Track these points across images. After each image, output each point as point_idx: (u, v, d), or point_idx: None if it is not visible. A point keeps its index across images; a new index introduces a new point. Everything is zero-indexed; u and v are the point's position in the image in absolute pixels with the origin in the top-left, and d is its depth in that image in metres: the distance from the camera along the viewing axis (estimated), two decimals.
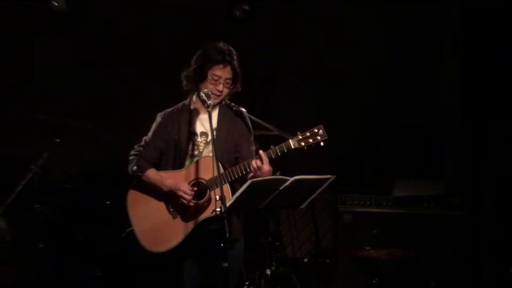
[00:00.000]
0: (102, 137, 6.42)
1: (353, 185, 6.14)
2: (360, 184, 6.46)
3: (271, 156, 4.11)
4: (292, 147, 4.08)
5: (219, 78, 4.23)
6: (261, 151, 4.11)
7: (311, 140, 4.07)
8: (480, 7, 5.61)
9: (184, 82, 4.33)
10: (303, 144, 4.08)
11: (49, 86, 6.74)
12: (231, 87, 4.28)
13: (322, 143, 4.06)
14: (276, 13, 6.79)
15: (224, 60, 4.22)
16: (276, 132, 4.27)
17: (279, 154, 4.10)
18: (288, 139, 4.10)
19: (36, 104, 6.30)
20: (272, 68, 6.79)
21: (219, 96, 4.26)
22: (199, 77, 4.25)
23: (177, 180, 4.23)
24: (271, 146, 4.12)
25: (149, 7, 6.79)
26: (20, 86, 6.75)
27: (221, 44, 4.28)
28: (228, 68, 4.23)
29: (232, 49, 4.28)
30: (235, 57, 4.26)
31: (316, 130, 4.07)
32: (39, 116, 5.55)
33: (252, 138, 4.40)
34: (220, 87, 4.22)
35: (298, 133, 4.10)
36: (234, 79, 4.26)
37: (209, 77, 4.23)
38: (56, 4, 6.66)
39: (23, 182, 5.39)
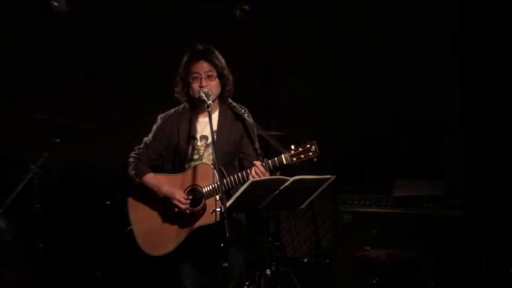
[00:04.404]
0: (102, 137, 6.42)
1: (353, 185, 6.14)
2: (360, 184, 6.45)
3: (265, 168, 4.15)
4: (285, 162, 4.13)
5: (198, 74, 4.24)
6: (258, 163, 4.13)
7: (303, 156, 4.11)
8: (480, 6, 5.61)
9: (179, 96, 4.35)
10: (295, 159, 4.12)
11: (49, 86, 6.74)
12: (220, 80, 4.28)
13: (315, 159, 4.08)
14: (276, 13, 6.79)
15: (197, 57, 4.25)
16: (270, 140, 4.27)
17: (272, 168, 4.14)
18: (281, 153, 4.13)
19: (36, 104, 6.30)
20: (272, 68, 6.79)
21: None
22: (185, 83, 4.28)
23: (174, 186, 4.24)
24: (265, 159, 4.16)
25: (149, 8, 6.79)
26: (20, 86, 6.74)
27: (196, 45, 4.31)
28: (203, 63, 4.25)
29: (208, 46, 4.30)
30: (210, 52, 4.27)
31: (309, 146, 4.10)
32: (39, 116, 5.55)
33: (255, 136, 4.40)
34: (204, 82, 4.23)
35: (292, 147, 4.13)
36: (218, 72, 4.27)
37: (189, 77, 4.25)
38: (56, 4, 6.66)
39: (23, 182, 5.39)
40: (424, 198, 5.78)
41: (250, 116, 4.39)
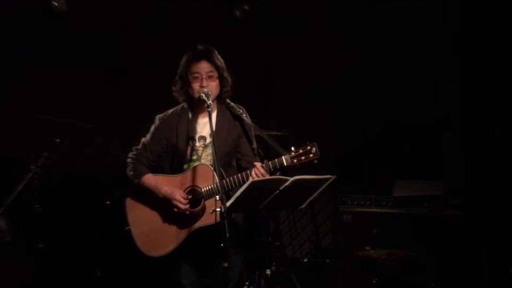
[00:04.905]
0: (102, 137, 6.42)
1: (353, 185, 6.14)
2: (360, 184, 6.46)
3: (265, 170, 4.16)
4: (285, 164, 4.14)
5: (199, 74, 4.24)
6: (258, 165, 4.14)
7: (303, 158, 4.13)
8: (480, 6, 5.60)
9: (177, 96, 4.35)
10: (295, 161, 4.14)
11: (49, 86, 6.74)
12: (220, 81, 4.28)
13: (315, 161, 4.09)
14: (276, 13, 6.79)
15: (198, 56, 4.26)
16: (269, 141, 4.27)
17: (272, 169, 4.15)
18: (281, 155, 4.15)
19: (36, 104, 6.30)
20: (272, 68, 6.79)
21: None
22: (184, 82, 4.28)
23: (173, 187, 4.24)
24: (265, 161, 4.17)
25: (149, 8, 6.79)
26: (20, 86, 6.74)
27: (197, 46, 4.31)
28: (204, 63, 4.25)
29: (209, 46, 4.31)
30: (211, 52, 4.28)
31: (309, 148, 4.11)
32: (39, 116, 5.55)
33: (252, 136, 4.40)
34: (204, 83, 4.23)
35: (292, 148, 4.14)
36: (219, 73, 4.27)
37: (190, 76, 4.25)
38: (56, 4, 6.66)
39: (23, 182, 5.40)
40: (424, 198, 5.78)
41: (248, 116, 4.39)
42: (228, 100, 4.38)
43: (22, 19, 6.72)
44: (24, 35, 6.72)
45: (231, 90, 4.37)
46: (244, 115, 4.37)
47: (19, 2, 6.71)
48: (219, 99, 4.35)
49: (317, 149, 4.11)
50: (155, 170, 4.38)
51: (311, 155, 4.10)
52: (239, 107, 4.39)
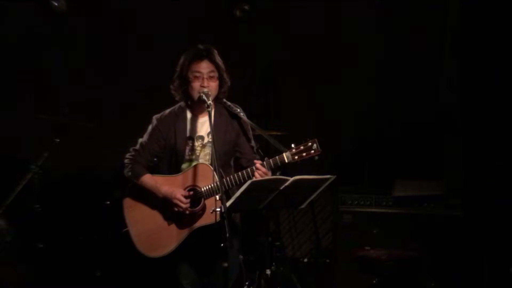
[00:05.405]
0: (102, 137, 6.42)
1: (353, 185, 6.14)
2: (360, 184, 6.46)
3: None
4: (286, 161, 4.14)
5: (201, 74, 4.24)
6: (258, 163, 4.14)
7: (304, 154, 4.12)
8: (480, 6, 5.61)
9: (174, 93, 4.34)
10: (296, 158, 4.14)
11: (49, 86, 6.74)
12: (219, 81, 4.28)
13: (316, 157, 4.10)
14: (276, 13, 6.79)
15: (200, 55, 4.25)
16: (269, 140, 4.27)
17: (273, 167, 4.15)
18: (282, 152, 4.15)
19: (36, 104, 6.29)
20: (272, 68, 6.79)
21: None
22: (184, 81, 4.27)
23: (173, 187, 4.23)
24: (266, 158, 4.17)
25: (149, 7, 6.79)
26: (20, 86, 6.74)
27: (198, 45, 4.31)
28: (206, 62, 4.25)
29: (210, 46, 4.31)
30: (213, 52, 4.28)
31: (310, 144, 4.12)
32: (39, 116, 5.55)
33: (250, 134, 4.40)
34: (205, 82, 4.22)
35: (293, 145, 4.14)
36: (219, 73, 4.27)
37: (190, 75, 4.24)
38: (56, 4, 6.66)
39: (23, 182, 5.40)
40: (424, 198, 5.78)
41: (244, 115, 4.39)
42: (224, 100, 4.38)
43: (22, 19, 6.72)
44: (24, 35, 6.72)
45: (230, 90, 4.37)
46: (241, 113, 4.37)
47: (19, 2, 6.71)
48: (216, 99, 4.35)
49: (318, 145, 4.11)
50: (153, 170, 4.37)
51: (312, 151, 4.11)
52: (236, 106, 4.39)
